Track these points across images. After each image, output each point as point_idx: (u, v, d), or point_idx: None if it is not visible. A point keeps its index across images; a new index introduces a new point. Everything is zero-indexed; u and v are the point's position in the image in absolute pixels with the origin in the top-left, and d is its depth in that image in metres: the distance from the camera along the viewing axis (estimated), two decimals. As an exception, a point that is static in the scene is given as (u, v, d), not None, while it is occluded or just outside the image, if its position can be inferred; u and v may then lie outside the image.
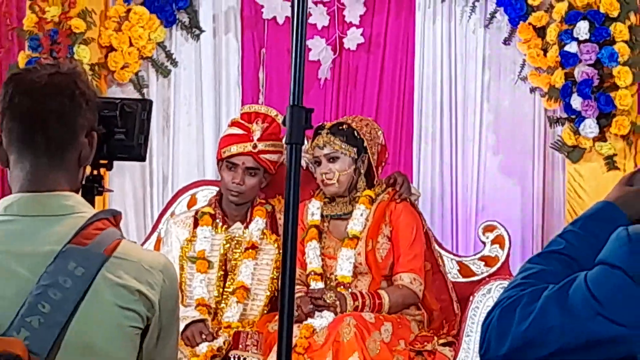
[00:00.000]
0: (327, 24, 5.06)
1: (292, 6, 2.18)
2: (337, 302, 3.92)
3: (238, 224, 4.21)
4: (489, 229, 4.37)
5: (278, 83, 5.11)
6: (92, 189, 2.13)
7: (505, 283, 3.74)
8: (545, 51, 4.72)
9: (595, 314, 1.59)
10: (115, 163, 2.17)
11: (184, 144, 5.20)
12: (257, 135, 4.18)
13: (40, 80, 1.90)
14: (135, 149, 2.16)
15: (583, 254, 1.71)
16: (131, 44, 4.99)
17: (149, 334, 1.90)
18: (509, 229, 4.40)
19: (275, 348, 3.33)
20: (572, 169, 4.70)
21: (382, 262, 4.07)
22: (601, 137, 4.63)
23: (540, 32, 4.74)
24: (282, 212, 3.19)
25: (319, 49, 5.06)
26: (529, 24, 4.75)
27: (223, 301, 4.10)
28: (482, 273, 4.34)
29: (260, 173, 4.18)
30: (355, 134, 4.08)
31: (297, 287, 3.83)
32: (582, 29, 4.57)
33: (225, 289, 4.12)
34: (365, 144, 4.07)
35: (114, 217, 1.93)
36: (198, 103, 5.20)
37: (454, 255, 4.51)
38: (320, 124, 4.18)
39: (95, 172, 2.16)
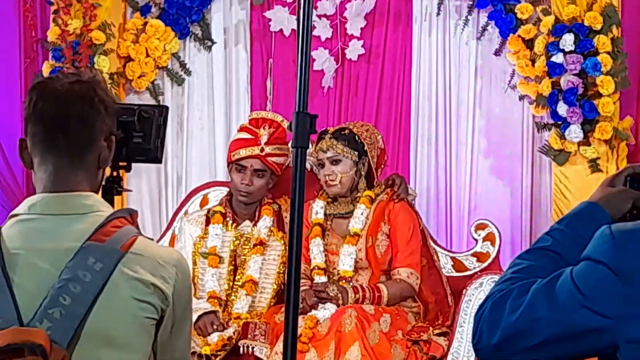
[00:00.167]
0: (330, 36, 5.06)
1: (298, 20, 2.19)
2: (339, 295, 3.92)
3: (247, 222, 4.20)
4: (480, 227, 4.36)
5: (284, 91, 5.11)
6: (112, 189, 2.14)
7: (496, 277, 3.72)
8: (533, 61, 4.71)
9: (581, 306, 1.58)
10: (133, 165, 2.17)
11: (196, 148, 5.20)
12: (264, 139, 4.18)
13: (62, 88, 1.90)
14: (152, 152, 2.16)
15: (569, 251, 1.71)
16: (147, 55, 5.00)
17: (163, 325, 1.89)
18: (500, 227, 4.39)
19: (281, 338, 3.32)
20: (558, 171, 4.70)
21: (381, 257, 4.06)
22: (585, 142, 4.62)
23: (529, 43, 4.74)
24: (288, 211, 3.20)
25: (322, 59, 5.05)
26: (518, 36, 4.75)
27: (233, 294, 4.09)
28: (474, 268, 4.33)
29: (268, 174, 4.18)
30: (357, 138, 4.07)
31: (301, 281, 3.82)
32: (568, 41, 4.57)
33: (235, 283, 4.11)
34: (366, 147, 4.07)
35: (131, 216, 1.92)
36: (210, 109, 5.20)
37: (448, 251, 4.50)
38: (324, 129, 4.17)
39: (114, 174, 2.16)
